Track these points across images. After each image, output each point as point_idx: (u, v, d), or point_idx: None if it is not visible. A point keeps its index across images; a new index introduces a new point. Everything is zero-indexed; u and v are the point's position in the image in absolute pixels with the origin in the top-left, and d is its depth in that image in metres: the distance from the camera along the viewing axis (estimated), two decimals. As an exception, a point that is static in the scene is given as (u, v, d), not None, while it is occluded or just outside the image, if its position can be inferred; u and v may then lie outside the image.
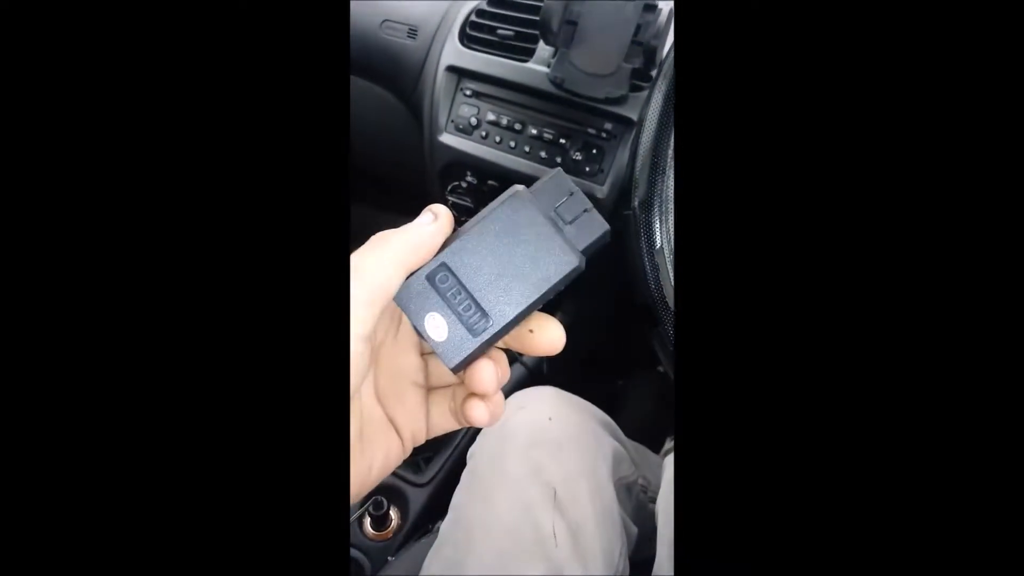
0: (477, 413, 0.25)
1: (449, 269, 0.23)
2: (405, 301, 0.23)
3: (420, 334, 0.24)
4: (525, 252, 0.23)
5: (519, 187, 0.24)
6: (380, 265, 0.23)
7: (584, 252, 0.24)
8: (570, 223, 0.24)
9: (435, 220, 0.24)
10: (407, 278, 0.23)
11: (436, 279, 0.23)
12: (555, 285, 0.24)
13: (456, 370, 0.24)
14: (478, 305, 0.23)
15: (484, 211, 0.24)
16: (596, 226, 0.24)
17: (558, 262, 0.23)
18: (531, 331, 0.25)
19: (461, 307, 0.23)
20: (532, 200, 0.24)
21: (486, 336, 0.23)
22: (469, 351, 0.23)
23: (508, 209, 0.24)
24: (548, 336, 0.25)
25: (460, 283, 0.23)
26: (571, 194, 0.24)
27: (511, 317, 0.23)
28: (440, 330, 0.23)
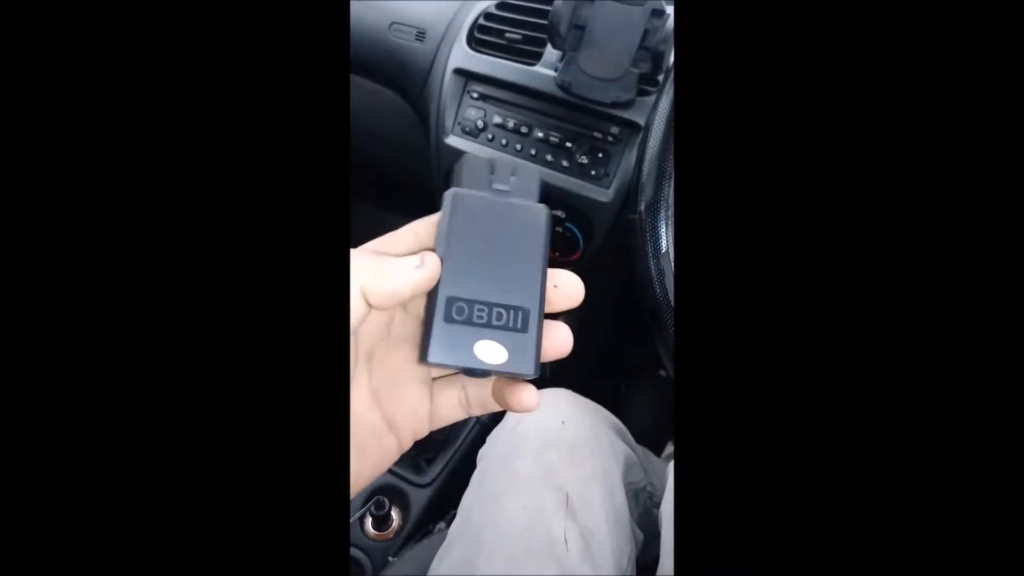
0: (527, 397, 0.24)
1: (457, 298, 0.23)
2: (442, 356, 0.22)
3: (476, 373, 0.23)
4: (500, 233, 0.23)
5: (450, 191, 0.24)
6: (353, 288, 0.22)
7: (540, 199, 0.25)
8: (510, 187, 0.25)
9: (421, 266, 0.23)
10: (427, 332, 0.22)
11: (453, 314, 0.23)
12: (545, 240, 0.24)
13: (537, 373, 0.23)
14: (505, 306, 0.23)
15: (440, 227, 0.24)
16: (531, 174, 0.25)
17: (531, 220, 0.24)
18: (555, 286, 0.25)
19: (495, 320, 0.23)
20: (469, 191, 0.24)
21: (535, 323, 0.23)
22: (534, 349, 0.23)
23: (458, 212, 0.23)
24: (568, 282, 0.25)
25: (475, 302, 0.23)
26: (491, 165, 0.25)
27: (539, 292, 0.23)
28: (495, 352, 0.22)
